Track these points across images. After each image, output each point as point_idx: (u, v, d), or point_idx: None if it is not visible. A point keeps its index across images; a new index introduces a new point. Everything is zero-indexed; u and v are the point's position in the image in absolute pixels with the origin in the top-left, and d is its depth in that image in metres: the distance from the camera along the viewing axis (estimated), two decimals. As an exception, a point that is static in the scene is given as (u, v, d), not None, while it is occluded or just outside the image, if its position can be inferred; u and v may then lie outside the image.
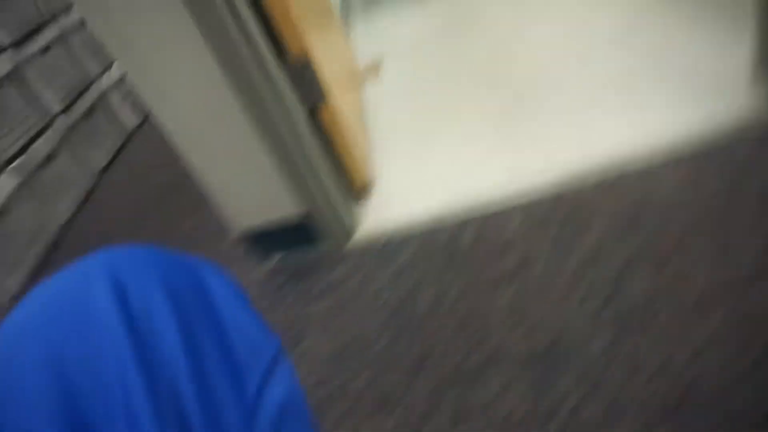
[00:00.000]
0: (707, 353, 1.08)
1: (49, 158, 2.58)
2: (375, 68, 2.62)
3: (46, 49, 2.72)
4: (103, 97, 3.09)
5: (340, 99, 1.74)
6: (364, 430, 1.20)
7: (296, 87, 1.51)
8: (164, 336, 0.32)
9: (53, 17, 2.84)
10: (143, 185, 2.65)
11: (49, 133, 2.60)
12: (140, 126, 3.34)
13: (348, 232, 1.71)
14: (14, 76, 2.48)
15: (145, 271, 0.35)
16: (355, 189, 1.85)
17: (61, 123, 2.69)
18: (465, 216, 1.62)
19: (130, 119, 3.27)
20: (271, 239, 1.70)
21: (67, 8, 2.95)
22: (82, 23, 3.02)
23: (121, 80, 3.25)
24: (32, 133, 2.52)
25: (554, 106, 1.91)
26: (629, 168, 1.54)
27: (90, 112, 2.94)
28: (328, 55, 1.77)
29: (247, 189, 1.58)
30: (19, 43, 2.55)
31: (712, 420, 0.99)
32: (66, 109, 2.75)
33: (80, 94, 2.90)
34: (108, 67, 3.20)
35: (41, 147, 2.52)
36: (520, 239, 1.48)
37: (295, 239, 1.70)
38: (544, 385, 1.15)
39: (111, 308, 0.31)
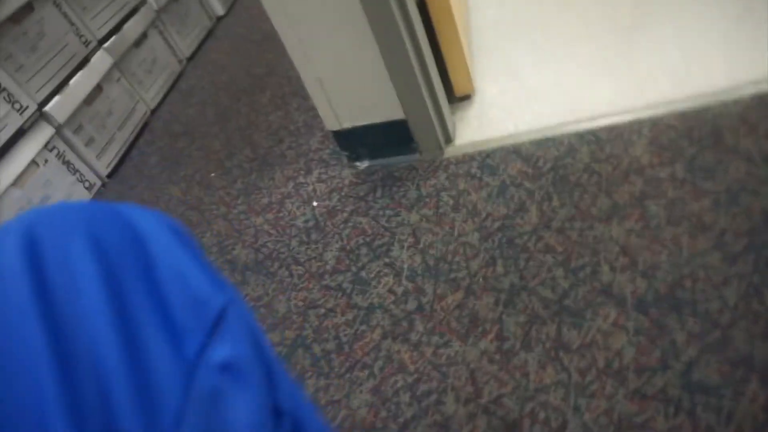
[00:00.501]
0: None
1: (140, 41, 2.55)
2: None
3: None
4: (192, -21, 2.98)
5: (450, -10, 1.55)
6: (450, 350, 1.14)
7: (409, -31, 1.34)
8: (83, 289, 0.29)
9: None
10: (228, 77, 2.59)
11: (140, 13, 2.55)
12: (225, 16, 3.24)
13: (446, 142, 1.59)
14: (108, -51, 2.40)
15: (67, 223, 0.32)
16: (457, 95, 1.70)
17: (153, 3, 2.63)
18: (578, 132, 1.44)
19: (217, 7, 3.17)
20: (364, 141, 1.61)
21: None
22: None
23: (210, -37, 3.12)
24: (125, 12, 2.47)
25: (687, 13, 1.62)
26: (792, 95, 1.29)
27: (179, -6, 2.85)
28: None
29: (350, 85, 1.47)
30: None
31: None
32: (157, -10, 2.68)
33: (171, -25, 2.80)
34: (198, -53, 3.06)
35: (133, 28, 2.48)
36: (646, 163, 1.30)
37: (390, 144, 1.59)
38: (659, 333, 1.03)
39: (17, 261, 0.28)
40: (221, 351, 0.32)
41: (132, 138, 2.41)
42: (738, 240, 1.10)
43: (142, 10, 2.57)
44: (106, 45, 2.31)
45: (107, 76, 2.31)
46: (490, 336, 1.13)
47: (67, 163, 2.08)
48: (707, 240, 1.12)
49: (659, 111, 1.40)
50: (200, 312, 0.33)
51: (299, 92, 2.17)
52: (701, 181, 1.23)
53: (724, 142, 1.28)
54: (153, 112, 2.57)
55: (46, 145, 2.00)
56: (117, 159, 2.31)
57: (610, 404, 0.97)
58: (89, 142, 2.19)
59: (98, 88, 2.26)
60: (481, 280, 1.24)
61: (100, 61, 2.27)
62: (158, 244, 0.34)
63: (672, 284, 1.08)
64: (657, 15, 1.69)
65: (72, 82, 2.13)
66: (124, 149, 2.35)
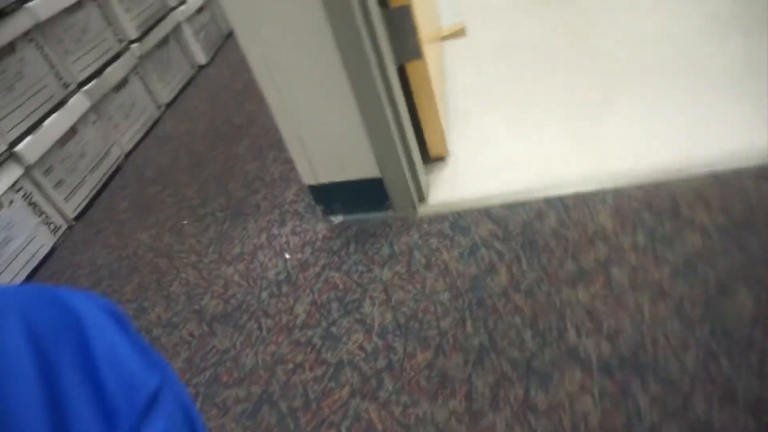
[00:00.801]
0: (822, 390, 0.96)
1: (120, 85, 2.57)
2: (458, 32, 2.49)
3: (127, -26, 2.69)
4: (177, 28, 3.05)
5: (428, 59, 1.63)
6: (418, 409, 1.13)
7: (392, 36, 1.41)
8: (14, 375, 0.28)
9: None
10: (207, 124, 2.62)
11: (123, 59, 2.58)
12: (208, 65, 3.30)
13: (420, 201, 1.63)
14: (95, -3, 2.46)
15: (6, 307, 0.31)
16: (432, 157, 1.76)
17: (136, 50, 2.67)
18: (547, 198, 1.51)
19: (199, 56, 3.23)
20: (340, 197, 1.64)
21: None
22: (164, -48, 2.97)
23: (198, 12, 3.20)
24: (108, 57, 2.50)
25: (653, 94, 1.75)
26: (743, 167, 1.39)
27: (164, 42, 2.91)
28: (421, 9, 1.66)
29: (328, 142, 1.51)
30: (102, -36, 2.52)
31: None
32: (141, 37, 2.72)
33: (157, 22, 2.86)
34: None
35: (114, 72, 2.51)
36: (610, 231, 1.36)
37: (364, 201, 1.63)
38: (623, 396, 1.05)
39: None
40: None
41: (103, 181, 2.38)
42: (696, 308, 1.15)
43: (125, 55, 2.61)
44: (85, 88, 2.32)
45: (83, 119, 2.31)
46: (459, 396, 1.14)
47: (33, 205, 2.04)
48: (667, 307, 1.17)
49: (622, 182, 1.48)
50: (133, 395, 0.33)
51: (277, 144, 2.21)
52: (661, 250, 1.29)
53: (681, 214, 1.35)
54: (127, 156, 2.56)
55: (12, 186, 1.96)
56: (86, 202, 2.27)
57: (576, 469, 0.98)
58: (58, 183, 2.16)
59: (72, 130, 2.25)
60: (450, 339, 1.25)
61: (78, 104, 2.27)
62: (94, 327, 0.34)
63: (635, 348, 1.12)
64: (624, 93, 1.81)
65: (46, 122, 2.12)
66: (94, 192, 2.32)
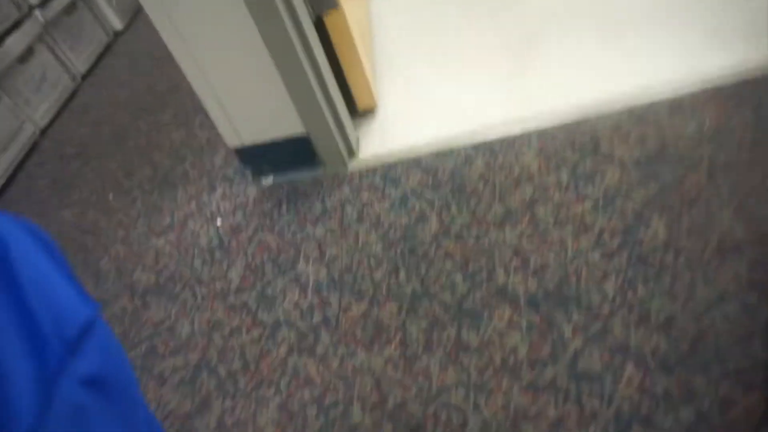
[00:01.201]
0: (723, 305, 1.03)
1: (25, 56, 2.38)
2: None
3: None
4: (85, -7, 2.84)
5: (348, 9, 1.59)
6: (355, 360, 1.15)
7: (304, -13, 1.36)
8: None
9: None
10: (127, 94, 2.48)
11: (24, 27, 2.38)
12: (125, 31, 3.11)
13: (349, 156, 1.61)
14: (-15, -41, 2.24)
15: None
16: (359, 111, 1.73)
17: (39, 16, 2.47)
18: (474, 144, 1.52)
19: (114, 21, 3.03)
20: (267, 158, 1.60)
21: None
22: None
23: (105, -24, 2.98)
24: (7, 25, 2.31)
25: (574, 36, 1.77)
26: (653, 103, 1.44)
27: (71, 7, 2.70)
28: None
29: (248, 102, 1.46)
30: None
31: (713, 374, 0.95)
32: (45, 2, 2.52)
33: (60, -13, 2.65)
34: (91, -40, 2.92)
35: (17, 42, 2.32)
36: (535, 171, 1.39)
37: (293, 160, 1.59)
38: (549, 327, 1.10)
39: None
40: (85, 366, 0.30)
41: (18, 160, 2.23)
42: (614, 238, 1.20)
43: (27, 23, 2.41)
44: (-15, 61, 2.14)
45: (-13, 94, 2.14)
46: (394, 343, 1.16)
47: (-61, 189, 1.89)
48: (588, 239, 1.22)
49: (546, 123, 1.50)
50: (65, 325, 0.30)
51: (202, 109, 2.12)
52: (583, 186, 1.33)
53: (601, 150, 1.39)
54: (43, 132, 2.41)
55: None
56: (1, 182, 2.13)
57: (506, 399, 1.02)
58: (-33, 165, 2.01)
59: (-23, 107, 2.09)
60: (384, 289, 1.26)
61: (-21, 78, 2.10)
62: (21, 253, 0.31)
63: (559, 282, 1.16)
64: (546, 36, 1.82)
65: (-56, 100, 1.95)
66: (9, 172, 2.18)
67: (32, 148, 2.32)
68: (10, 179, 2.18)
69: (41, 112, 2.41)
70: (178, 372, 1.25)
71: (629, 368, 1.00)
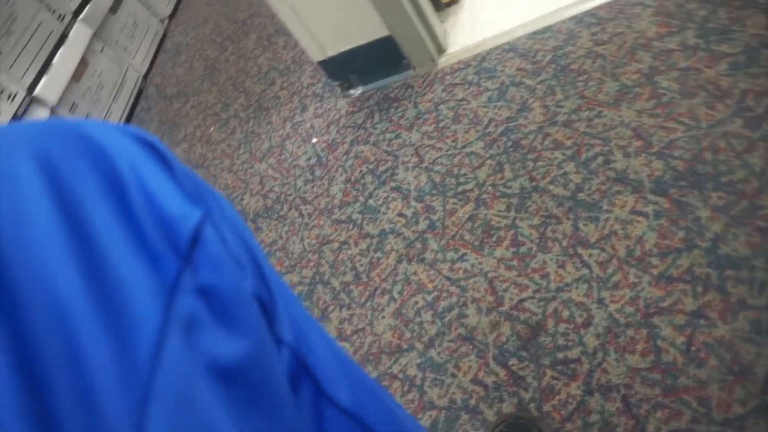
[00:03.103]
0: None
1: (116, 6, 2.46)
2: None
3: None
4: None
5: None
6: (466, 263, 1.11)
7: None
8: (30, 213, 0.24)
9: None
10: (212, 27, 2.49)
11: (109, -25, 2.44)
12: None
13: (438, 52, 1.50)
14: None
15: (7, 142, 0.27)
16: (443, 1, 1.58)
17: (120, -37, 2.52)
18: (576, 15, 1.33)
19: (189, -46, 3.01)
20: (354, 66, 1.53)
21: None
22: None
23: None
24: (93, -23, 2.38)
25: None
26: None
27: (146, -51, 2.72)
28: None
29: (327, 11, 1.38)
30: None
31: None
32: (121, -53, 2.55)
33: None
34: None
35: (105, -8, 2.39)
36: (653, 36, 1.20)
37: (380, 65, 1.51)
38: (681, 213, 0.97)
39: None
40: (198, 276, 0.29)
41: (129, 107, 2.38)
42: (760, 101, 1.01)
43: (111, -28, 2.46)
44: (81, 16, 2.24)
45: (90, 49, 2.25)
46: (505, 243, 1.10)
47: (69, 143, 2.07)
48: (726, 107, 1.04)
49: (663, -24, 1.27)
50: (172, 233, 0.29)
51: (283, 29, 2.07)
52: (715, 45, 1.12)
53: (738, -4, 1.15)
54: (145, 77, 2.52)
55: (44, 128, 1.98)
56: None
57: (634, 293, 0.94)
58: (86, 118, 2.17)
59: (83, 63, 2.21)
60: (490, 188, 1.19)
61: (79, 34, 2.21)
62: (122, 158, 0.30)
63: (691, 160, 1.02)
64: None
65: (55, 61, 2.09)
66: (123, 120, 2.33)
67: (138, 94, 2.45)
68: (125, 126, 2.33)
69: (140, 58, 2.52)
70: (295, 288, 1.30)
71: (785, 248, 0.86)
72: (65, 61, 2.12)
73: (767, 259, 0.87)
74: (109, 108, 2.28)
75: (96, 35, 2.30)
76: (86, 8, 2.27)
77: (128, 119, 2.36)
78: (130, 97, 2.39)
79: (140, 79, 2.49)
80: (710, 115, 1.04)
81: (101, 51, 2.32)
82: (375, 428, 0.35)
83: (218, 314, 0.29)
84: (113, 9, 2.44)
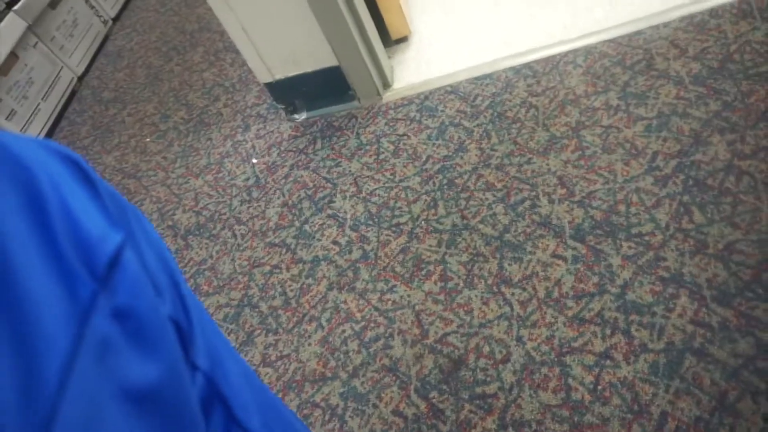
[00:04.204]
0: (793, 228, 0.95)
1: (55, 1, 2.36)
2: None
3: None
4: (107, -69, 2.76)
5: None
6: (395, 295, 1.14)
7: None
8: None
9: None
10: (157, 36, 2.44)
11: (52, -30, 2.35)
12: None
13: (384, 87, 1.54)
14: None
15: None
16: (393, 38, 1.64)
17: (64, -40, 2.43)
18: (514, 67, 1.42)
19: (139, -41, 2.95)
20: (300, 92, 1.55)
21: None
22: None
23: None
24: (33, -30, 2.28)
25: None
26: (715, 8, 1.29)
27: (95, -52, 2.64)
28: None
29: (278, 35, 1.40)
30: None
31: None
32: (68, -56, 2.46)
33: (82, -74, 2.58)
34: None
35: (45, -13, 2.30)
36: (581, 93, 1.29)
37: (326, 93, 1.54)
38: (596, 259, 1.05)
39: None
40: (115, 299, 0.28)
41: (59, 108, 2.27)
42: (669, 162, 1.12)
43: (54, -33, 2.37)
44: (16, 7, 2.14)
45: (22, 42, 2.15)
46: (434, 277, 1.14)
47: (-12, 139, 1.95)
48: (639, 165, 1.14)
49: (593, 39, 1.38)
50: (91, 254, 0.28)
51: (232, 46, 2.07)
52: (634, 108, 1.23)
53: (655, 66, 1.28)
54: (80, 78, 2.42)
55: (-39, 121, 1.86)
56: (45, 131, 2.18)
57: (550, 332, 0.99)
58: (10, 115, 2.05)
59: (13, 56, 2.10)
60: (423, 223, 1.23)
61: (11, 25, 2.10)
62: (43, 175, 0.29)
63: (607, 211, 1.10)
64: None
65: (-18, 50, 1.97)
66: (51, 120, 2.22)
67: (71, 96, 2.35)
68: (53, 127, 2.22)
69: (77, 58, 2.42)
70: (221, 309, 1.28)
71: (683, 299, 0.95)
72: (-7, 53, 2.01)
73: (666, 307, 0.95)
74: (37, 106, 2.17)
75: (30, 29, 2.19)
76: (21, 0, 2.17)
77: (57, 120, 2.25)
78: (61, 97, 2.29)
79: (75, 80, 2.38)
80: (626, 171, 1.14)
81: (34, 46, 2.21)
82: None
83: (133, 337, 0.29)
84: (52, 4, 2.34)
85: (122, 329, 0.28)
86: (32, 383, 0.23)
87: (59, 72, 2.31)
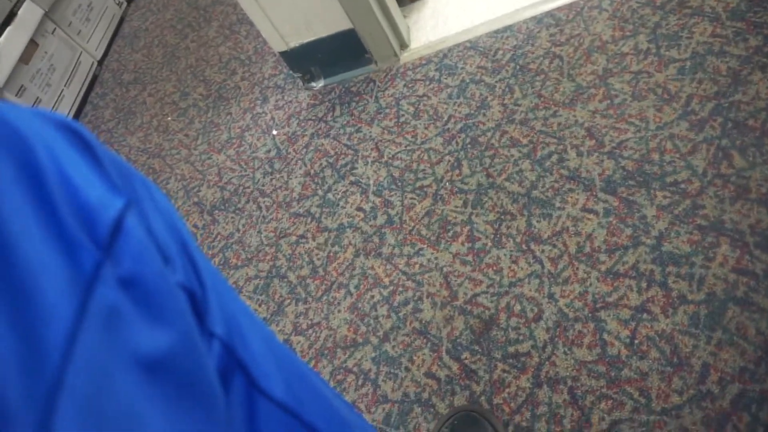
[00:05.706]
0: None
1: (70, -15, 2.36)
2: None
3: None
4: None
5: None
6: (422, 258, 1.12)
7: None
8: None
9: None
10: (173, 13, 2.43)
11: (63, -46, 2.35)
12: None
13: (400, 48, 1.50)
14: None
15: None
16: (406, -5, 1.59)
17: (74, -58, 2.42)
18: (536, 16, 1.36)
19: (149, -63, 2.92)
20: (316, 59, 1.52)
21: None
22: None
23: None
24: (45, -45, 2.27)
25: None
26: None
27: (103, -72, 2.62)
28: None
29: (289, 2, 1.36)
30: None
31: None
32: (76, -74, 2.45)
33: None
34: None
35: (58, -29, 2.29)
36: (608, 39, 1.23)
37: (342, 58, 1.50)
38: (628, 211, 1.01)
39: None
40: (121, 267, 0.28)
41: (82, 93, 2.29)
42: (705, 105, 1.06)
43: (65, -50, 2.36)
44: (32, -6, 2.14)
45: (40, 29, 2.16)
46: (461, 238, 1.11)
47: (16, 128, 1.98)
48: (673, 110, 1.08)
49: (619, -19, 1.30)
50: (92, 222, 0.28)
51: (246, 18, 2.04)
52: (665, 50, 1.16)
53: (688, 3, 1.20)
54: (100, 62, 2.43)
55: (-11, 112, 1.89)
56: (70, 117, 2.20)
57: (583, 288, 0.97)
58: (36, 102, 2.08)
59: (33, 44, 2.12)
60: (447, 184, 1.20)
61: (29, 13, 2.11)
62: (39, 143, 0.28)
63: (639, 160, 1.05)
64: None
65: (1, 39, 1.99)
66: (75, 106, 2.24)
67: (93, 80, 2.37)
68: (78, 113, 2.25)
69: (95, 42, 2.43)
70: (251, 281, 1.28)
71: (723, 247, 0.90)
72: (12, 40, 2.02)
73: (706, 256, 0.91)
74: (61, 93, 2.19)
75: (47, 15, 2.20)
76: (37, -12, 2.17)
77: (82, 105, 2.28)
78: (84, 82, 2.31)
79: (95, 64, 2.40)
80: (658, 117, 1.08)
81: (52, 33, 2.23)
82: (312, 421, 0.35)
83: (142, 306, 0.28)
84: (67, -10, 2.34)
85: (129, 297, 0.27)
86: (34, 354, 0.23)
87: (79, 57, 2.32)
